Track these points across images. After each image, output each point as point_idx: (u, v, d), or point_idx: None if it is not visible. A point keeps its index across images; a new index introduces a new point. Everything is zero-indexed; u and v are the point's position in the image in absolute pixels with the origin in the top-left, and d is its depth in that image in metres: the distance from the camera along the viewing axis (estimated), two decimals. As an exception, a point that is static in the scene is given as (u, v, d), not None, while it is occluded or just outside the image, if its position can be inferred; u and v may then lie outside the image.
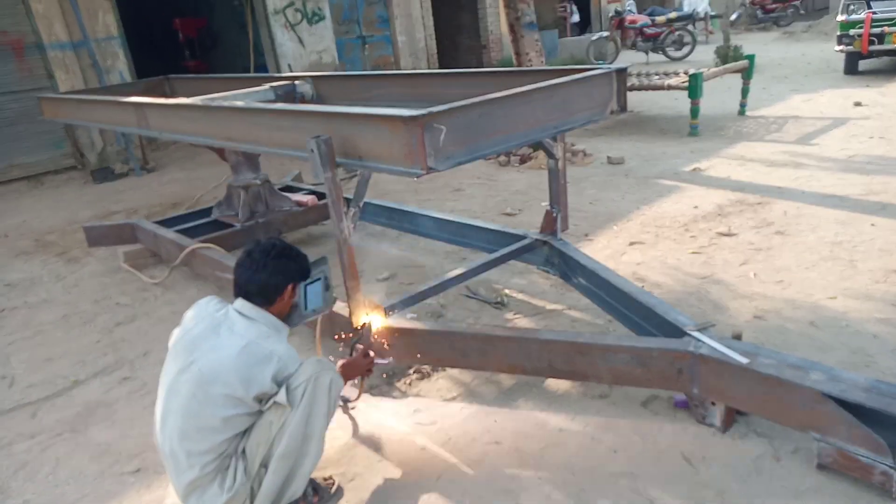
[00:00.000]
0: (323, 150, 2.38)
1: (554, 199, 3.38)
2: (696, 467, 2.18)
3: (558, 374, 2.51)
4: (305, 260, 2.20)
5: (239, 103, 3.17)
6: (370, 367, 2.51)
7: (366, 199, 4.91)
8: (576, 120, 2.73)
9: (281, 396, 1.96)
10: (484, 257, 3.39)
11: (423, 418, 2.62)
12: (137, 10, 11.58)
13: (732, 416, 2.33)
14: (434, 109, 2.15)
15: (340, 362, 2.46)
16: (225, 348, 1.97)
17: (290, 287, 2.13)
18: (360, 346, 2.56)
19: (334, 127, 2.46)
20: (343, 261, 2.59)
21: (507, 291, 3.63)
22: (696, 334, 2.33)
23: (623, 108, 2.88)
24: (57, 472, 2.54)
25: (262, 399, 1.99)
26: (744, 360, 2.16)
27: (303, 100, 4.48)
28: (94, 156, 8.43)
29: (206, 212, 4.89)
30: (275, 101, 4.24)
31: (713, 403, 2.31)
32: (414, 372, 2.94)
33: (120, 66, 8.56)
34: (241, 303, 2.10)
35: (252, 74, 7.40)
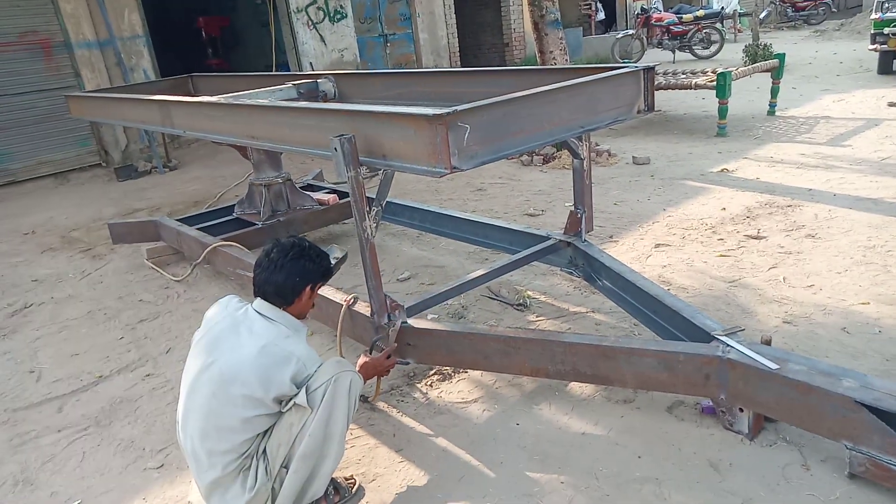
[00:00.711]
0: (346, 149, 2.36)
1: (578, 199, 3.34)
2: (723, 474, 2.13)
3: (582, 378, 2.47)
4: (326, 260, 2.19)
5: (263, 101, 3.17)
6: (390, 367, 2.49)
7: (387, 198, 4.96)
8: (602, 119, 2.68)
9: (301, 398, 1.95)
10: (506, 258, 3.36)
11: (445, 420, 2.59)
12: (161, 8, 11.71)
13: (761, 423, 2.28)
14: (458, 108, 2.13)
15: (361, 361, 2.45)
16: (244, 348, 1.96)
17: (308, 288, 2.12)
18: (382, 347, 2.55)
19: (358, 125, 2.45)
20: (365, 259, 2.58)
21: (529, 293, 3.59)
22: (724, 339, 2.28)
23: (650, 107, 2.83)
24: (83, 466, 2.56)
25: (281, 400, 1.98)
26: (773, 366, 2.10)
27: (325, 98, 4.48)
28: (118, 153, 8.54)
29: (228, 210, 4.92)
30: (297, 100, 4.26)
31: (741, 410, 2.26)
32: (435, 373, 2.92)
33: (144, 64, 8.66)
34: (259, 303, 2.09)
35: (274, 73, 7.43)
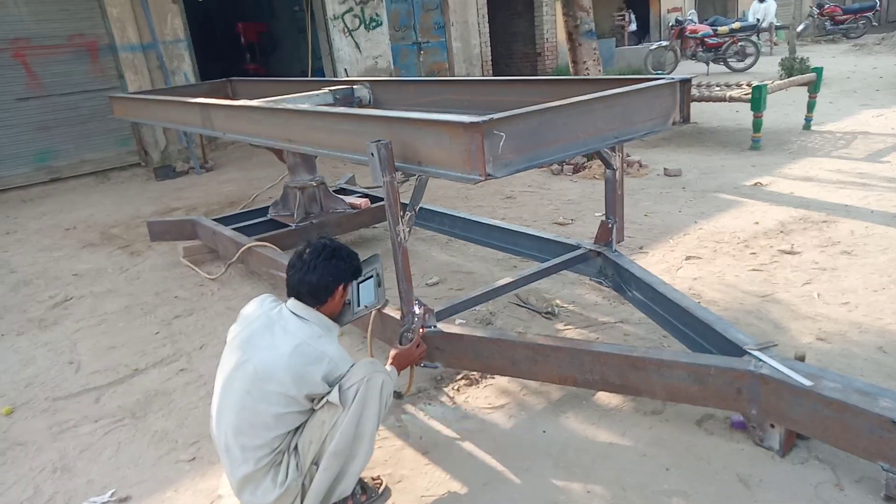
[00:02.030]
0: (383, 155, 2.41)
1: (610, 209, 3.34)
2: (753, 490, 2.11)
3: (610, 388, 2.46)
4: (356, 259, 2.24)
5: (302, 106, 3.24)
6: (421, 356, 2.53)
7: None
8: (637, 130, 2.68)
9: (333, 396, 1.99)
10: (536, 266, 3.37)
11: (471, 425, 2.61)
12: (203, 14, 11.98)
13: (793, 440, 2.25)
14: (494, 116, 2.16)
15: (392, 352, 2.49)
16: (278, 347, 2.01)
17: (340, 287, 2.17)
18: (411, 337, 2.59)
19: (394, 131, 2.49)
20: (397, 263, 2.61)
21: (557, 302, 3.59)
22: (756, 353, 2.26)
23: (686, 119, 2.82)
24: (118, 456, 2.64)
25: (313, 398, 2.02)
26: (808, 383, 2.08)
27: (360, 104, 4.55)
28: (157, 154, 8.76)
29: (263, 211, 5.01)
30: (334, 105, 4.33)
31: (772, 426, 2.23)
32: (462, 378, 2.94)
33: (185, 67, 8.88)
34: (293, 302, 2.14)
35: (311, 78, 7.57)
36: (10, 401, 3.15)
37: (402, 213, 2.57)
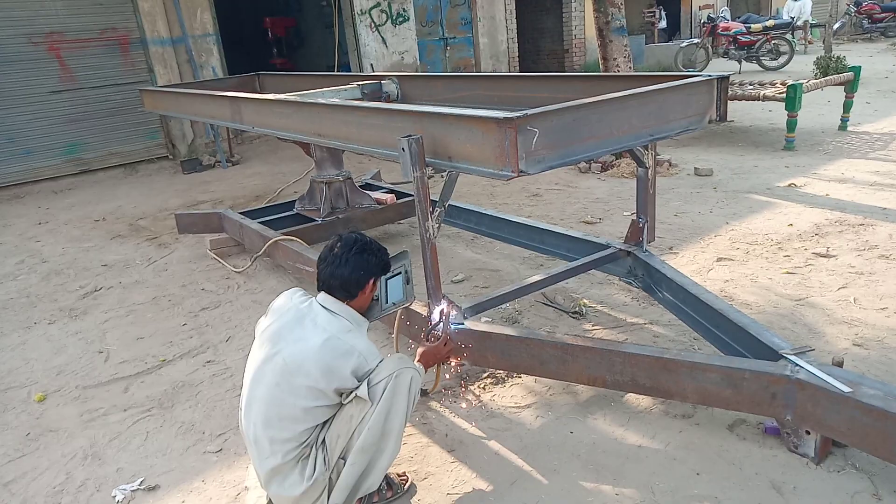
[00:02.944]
0: (414, 150, 2.39)
1: (641, 208, 3.29)
2: (786, 498, 2.06)
3: (641, 390, 2.42)
4: (386, 254, 2.22)
5: (331, 100, 3.23)
6: (449, 353, 2.52)
7: (436, 199, 4.99)
8: (672, 128, 2.63)
9: (362, 391, 1.98)
10: (564, 265, 3.33)
11: (497, 423, 2.59)
12: (231, 8, 12.08)
13: (828, 448, 2.19)
14: (528, 112, 2.13)
15: (420, 349, 2.48)
16: (308, 340, 2.01)
17: (371, 281, 2.16)
18: (438, 334, 2.57)
19: (425, 126, 2.47)
20: (426, 260, 2.60)
21: (585, 301, 3.55)
22: (793, 358, 2.20)
23: (723, 117, 2.77)
24: (147, 445, 2.66)
25: (342, 392, 2.02)
26: (846, 389, 2.02)
27: (388, 99, 4.55)
28: (184, 147, 8.86)
29: (289, 205, 5.03)
30: (362, 100, 4.33)
31: (808, 432, 2.18)
32: (488, 376, 2.92)
33: (213, 61, 8.95)
34: (323, 296, 2.13)
35: (338, 73, 7.58)
36: (43, 388, 3.20)
37: (431, 210, 2.55)
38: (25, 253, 5.50)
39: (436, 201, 2.59)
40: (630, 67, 6.20)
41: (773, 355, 2.30)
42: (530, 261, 4.28)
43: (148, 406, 2.97)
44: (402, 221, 5.13)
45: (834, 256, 3.83)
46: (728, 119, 2.74)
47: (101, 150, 8.31)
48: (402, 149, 2.41)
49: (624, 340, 3.12)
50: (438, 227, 2.58)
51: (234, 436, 2.65)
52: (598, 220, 4.94)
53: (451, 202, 4.74)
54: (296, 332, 2.05)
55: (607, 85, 3.30)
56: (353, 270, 2.10)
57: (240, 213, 4.95)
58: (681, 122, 2.66)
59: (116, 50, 8.20)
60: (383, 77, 4.62)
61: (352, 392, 2.00)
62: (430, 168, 2.50)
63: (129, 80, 8.27)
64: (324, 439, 2.02)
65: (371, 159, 7.81)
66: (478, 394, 2.80)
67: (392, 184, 5.79)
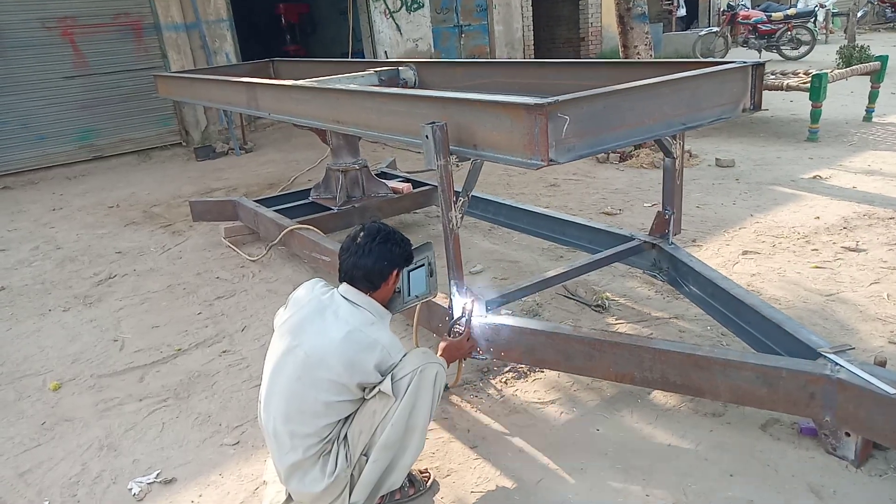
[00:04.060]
0: (438, 137, 2.31)
1: (668, 199, 3.20)
2: (826, 501, 1.98)
3: (671, 388, 2.34)
4: (409, 245, 2.16)
5: (352, 86, 3.15)
6: (472, 349, 2.45)
7: (455, 189, 4.90)
8: (705, 117, 2.54)
9: (386, 386, 1.92)
10: (587, 257, 3.25)
11: (521, 419, 2.52)
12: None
13: (869, 450, 2.11)
14: (560, 98, 2.04)
15: (442, 344, 2.41)
16: (330, 333, 1.95)
17: (394, 272, 2.09)
18: (461, 329, 2.51)
19: (449, 113, 2.39)
20: (448, 250, 2.52)
21: (607, 294, 3.47)
22: (833, 357, 2.11)
23: (757, 106, 2.66)
24: (163, 437, 2.62)
25: (364, 387, 1.96)
26: (891, 390, 1.93)
27: (405, 85, 4.45)
28: (197, 134, 8.81)
29: (304, 193, 4.96)
30: (380, 86, 4.24)
31: (847, 434, 2.10)
32: (509, 370, 2.85)
33: (227, 47, 8.88)
34: (345, 287, 2.07)
35: (354, 59, 7.48)
36: (58, 376, 3.17)
37: (454, 199, 2.47)
38: (40, 239, 5.48)
39: (458, 191, 2.52)
40: (651, 55, 6.07)
41: (811, 353, 2.21)
42: (549, 252, 4.20)
43: (164, 396, 2.93)
44: (417, 211, 5.06)
45: (864, 251, 3.72)
46: (763, 108, 2.63)
47: (115, 136, 8.28)
48: (426, 136, 2.33)
49: (649, 335, 3.04)
50: (462, 218, 2.51)
51: (252, 428, 2.61)
52: (618, 212, 4.85)
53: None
54: (317, 323, 1.99)
55: (632, 72, 3.19)
56: (376, 260, 2.03)
57: (255, 200, 4.90)
58: (714, 111, 2.56)
59: (130, 35, 8.14)
60: (401, 64, 4.53)
61: (375, 387, 1.94)
62: (455, 156, 2.42)
63: (143, 66, 8.22)
64: (346, 435, 1.96)
65: (385, 147, 7.73)
66: (499, 388, 2.74)
67: (408, 172, 5.71)
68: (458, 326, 2.52)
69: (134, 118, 8.38)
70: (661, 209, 3.25)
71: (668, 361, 2.28)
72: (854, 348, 2.23)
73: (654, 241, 3.26)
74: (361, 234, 2.08)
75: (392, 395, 1.92)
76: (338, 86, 3.20)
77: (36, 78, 7.66)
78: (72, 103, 7.95)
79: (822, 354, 2.16)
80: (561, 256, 4.11)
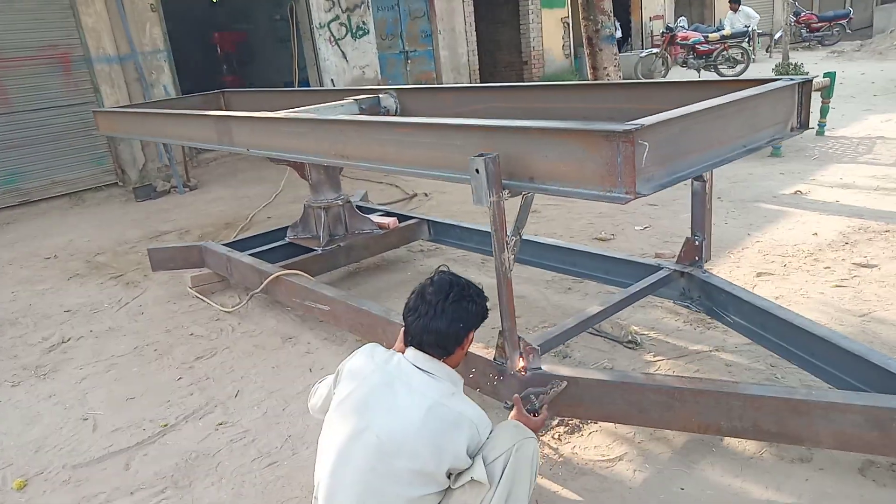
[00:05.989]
0: (490, 170, 2.05)
1: (697, 225, 3.04)
2: (957, 557, 1.79)
3: (763, 437, 2.13)
4: (485, 299, 1.87)
5: (361, 117, 2.84)
6: (543, 423, 2.15)
7: (442, 221, 4.62)
8: (761, 137, 2.38)
9: (479, 473, 1.60)
10: (620, 292, 3.03)
11: (591, 482, 2.24)
12: (176, 23, 11.42)
13: None
14: (644, 122, 1.81)
15: (512, 413, 2.10)
16: (405, 410, 1.62)
17: (470, 336, 1.79)
18: (535, 402, 2.20)
19: (495, 143, 2.14)
20: (502, 297, 2.25)
21: (634, 328, 3.26)
22: (944, 393, 1.95)
23: (804, 125, 2.53)
24: (173, 545, 2.18)
25: (451, 473, 1.63)
26: None
27: (387, 114, 4.17)
28: (135, 173, 8.18)
29: (278, 234, 4.57)
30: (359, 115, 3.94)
31: (963, 476, 1.93)
32: (558, 424, 2.56)
33: (165, 80, 8.33)
34: (413, 353, 1.75)
35: (314, 89, 7.12)
36: (20, 470, 2.64)
37: (506, 239, 2.20)
38: (-33, 300, 4.81)
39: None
40: (620, 76, 6.04)
41: (907, 388, 2.05)
42: (555, 284, 3.97)
43: (160, 486, 2.47)
44: (402, 247, 4.74)
45: (876, 266, 3.68)
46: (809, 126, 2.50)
47: (44, 178, 7.54)
48: (476, 170, 2.07)
49: (694, 372, 2.84)
50: (514, 259, 2.23)
51: (279, 521, 2.21)
52: (611, 237, 4.69)
53: (453, 223, 4.48)
54: (387, 399, 1.66)
55: (650, 93, 3.04)
56: (451, 323, 1.73)
57: (223, 244, 4.45)
58: (769, 131, 2.41)
59: (58, 69, 7.47)
60: (380, 91, 4.24)
61: (462, 473, 1.62)
62: (507, 191, 2.15)
63: (73, 102, 7.57)
64: (432, 534, 1.62)
65: (355, 179, 7.34)
66: (555, 447, 2.45)
67: (384, 205, 5.40)
68: (533, 396, 2.20)
69: (65, 158, 7.68)
70: (689, 236, 3.10)
71: (761, 408, 2.06)
72: (955, 380, 2.08)
73: (685, 270, 3.09)
74: (430, 289, 1.77)
75: (486, 482, 1.60)
76: (340, 117, 2.88)
77: (-50, 118, 6.90)
78: (-8, 144, 7.20)
79: (927, 390, 1.99)
80: (569, 288, 3.88)
